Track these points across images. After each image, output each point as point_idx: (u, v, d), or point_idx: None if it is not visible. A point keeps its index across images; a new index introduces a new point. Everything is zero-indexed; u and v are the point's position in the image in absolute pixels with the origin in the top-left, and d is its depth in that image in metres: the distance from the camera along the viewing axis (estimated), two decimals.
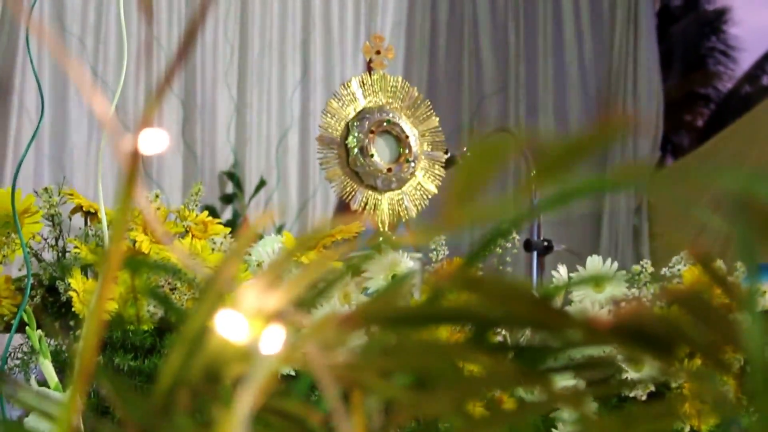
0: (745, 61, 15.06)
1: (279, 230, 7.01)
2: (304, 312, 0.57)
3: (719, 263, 2.33)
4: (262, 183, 7.10)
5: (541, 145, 0.40)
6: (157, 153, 0.54)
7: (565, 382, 0.55)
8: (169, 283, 2.21)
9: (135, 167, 0.53)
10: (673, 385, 2.08)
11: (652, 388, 2.22)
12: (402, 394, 0.56)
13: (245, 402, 0.53)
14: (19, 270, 2.28)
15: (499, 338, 0.55)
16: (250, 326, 0.55)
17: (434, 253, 2.64)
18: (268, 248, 2.40)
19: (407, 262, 2.29)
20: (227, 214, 6.96)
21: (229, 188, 7.07)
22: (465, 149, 3.53)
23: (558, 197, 0.46)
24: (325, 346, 0.55)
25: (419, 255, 3.36)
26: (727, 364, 0.47)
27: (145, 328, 2.19)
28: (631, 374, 2.05)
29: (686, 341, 0.48)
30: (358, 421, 0.57)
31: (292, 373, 0.71)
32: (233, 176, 7.07)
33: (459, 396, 0.56)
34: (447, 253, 2.63)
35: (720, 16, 15.30)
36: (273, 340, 0.55)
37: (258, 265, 2.30)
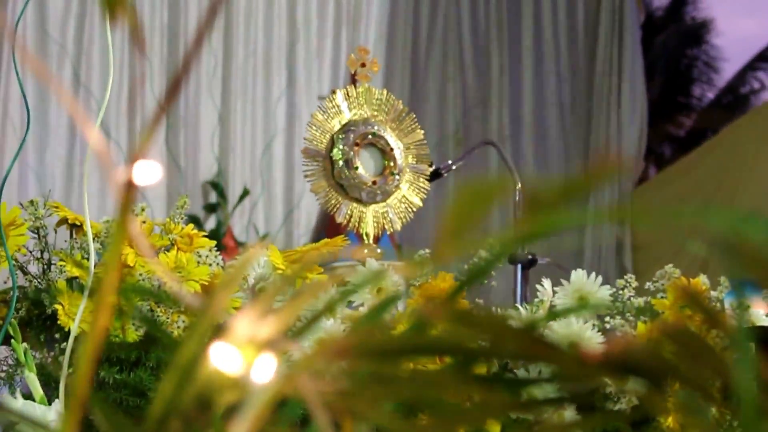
0: (727, 71, 15.12)
1: (263, 239, 7.01)
2: (295, 340, 0.57)
3: (703, 279, 2.34)
4: (245, 193, 7.10)
5: (531, 189, 0.41)
6: (150, 184, 0.54)
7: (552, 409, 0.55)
8: (153, 301, 2.20)
9: (129, 198, 0.53)
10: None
11: (635, 401, 2.22)
12: (391, 422, 0.56)
13: (241, 429, 0.53)
14: (5, 282, 2.27)
15: (492, 369, 0.56)
16: (242, 355, 0.55)
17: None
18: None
19: (392, 276, 2.29)
20: (211, 223, 6.96)
21: (213, 197, 7.06)
22: (451, 163, 3.54)
23: (541, 229, 0.47)
24: (316, 375, 0.55)
25: (403, 264, 3.36)
26: (716, 397, 0.48)
27: (131, 340, 2.19)
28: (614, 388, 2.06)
29: (675, 375, 0.48)
30: None
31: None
32: (217, 185, 7.07)
33: (447, 424, 0.57)
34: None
35: (702, 26, 15.36)
36: (265, 369, 0.55)
37: (244, 279, 2.30)
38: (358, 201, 2.92)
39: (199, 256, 2.35)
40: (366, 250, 2.88)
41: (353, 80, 3.11)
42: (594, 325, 2.26)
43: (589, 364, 0.49)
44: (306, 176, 2.94)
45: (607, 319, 2.38)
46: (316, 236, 7.04)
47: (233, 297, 2.01)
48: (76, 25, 6.75)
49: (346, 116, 2.96)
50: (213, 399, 0.57)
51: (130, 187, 0.53)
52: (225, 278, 0.59)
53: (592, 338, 2.20)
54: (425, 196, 3.03)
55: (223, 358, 0.55)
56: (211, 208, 7.03)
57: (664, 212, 0.45)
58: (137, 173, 0.53)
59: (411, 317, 0.56)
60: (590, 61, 8.31)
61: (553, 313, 2.29)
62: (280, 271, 2.32)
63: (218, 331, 0.56)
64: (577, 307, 2.32)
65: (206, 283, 2.31)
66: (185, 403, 0.56)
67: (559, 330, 2.19)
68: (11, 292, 2.21)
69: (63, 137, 6.61)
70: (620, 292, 2.44)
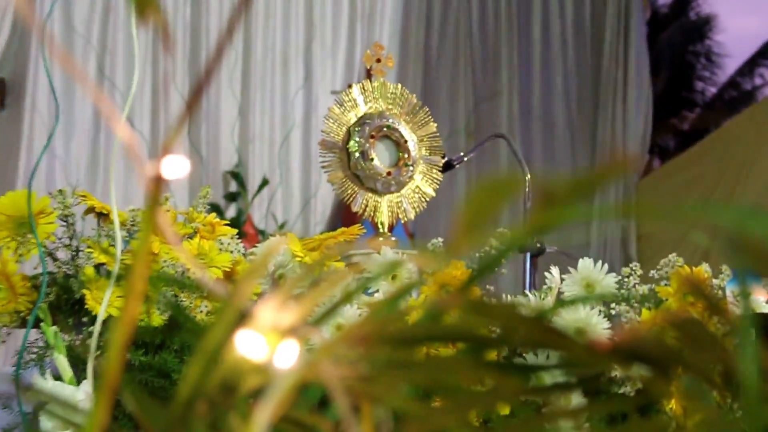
0: (730, 66, 15.08)
1: (281, 228, 7.03)
2: (315, 328, 0.58)
3: (705, 267, 2.34)
4: (264, 182, 7.11)
5: (541, 185, 0.41)
6: (178, 178, 0.55)
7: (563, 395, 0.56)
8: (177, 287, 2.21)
9: (157, 192, 0.54)
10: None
11: (640, 386, 2.22)
12: (408, 406, 0.57)
13: (265, 412, 0.54)
14: (35, 268, 2.28)
15: (503, 355, 0.56)
16: (265, 342, 0.56)
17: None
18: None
19: (406, 264, 2.29)
20: (231, 211, 6.98)
21: (233, 187, 7.08)
22: (463, 156, 3.54)
23: (551, 223, 0.47)
24: (336, 361, 0.56)
25: (416, 252, 3.36)
26: (718, 382, 0.48)
27: (155, 324, 2.19)
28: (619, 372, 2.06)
29: (678, 361, 0.48)
30: (366, 429, 0.58)
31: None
32: (237, 175, 7.08)
33: (460, 407, 0.57)
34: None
35: (706, 23, 15.30)
36: (287, 355, 0.55)
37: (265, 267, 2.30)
38: (374, 191, 2.92)
39: (221, 244, 2.36)
40: (381, 239, 2.88)
41: (369, 75, 3.11)
42: (600, 311, 2.26)
43: (596, 351, 0.49)
44: (323, 167, 2.94)
45: (613, 305, 2.38)
46: (332, 225, 7.05)
47: (255, 285, 2.02)
48: (101, 20, 6.78)
49: (362, 109, 2.96)
50: (237, 383, 0.57)
51: (158, 181, 0.54)
52: (248, 268, 0.59)
53: (598, 324, 2.20)
54: (438, 187, 3.04)
55: (248, 345, 0.56)
56: (231, 197, 7.05)
57: (668, 207, 0.46)
58: (165, 168, 0.54)
59: (426, 306, 0.56)
60: (597, 57, 8.30)
61: (561, 302, 2.29)
62: (298, 259, 2.33)
63: (243, 318, 0.57)
64: (585, 296, 2.32)
65: (228, 270, 2.32)
66: (211, 386, 0.57)
67: (567, 316, 2.19)
68: (41, 278, 2.22)
69: (87, 128, 6.63)
70: (625, 279, 2.44)
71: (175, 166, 0.55)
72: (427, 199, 3.01)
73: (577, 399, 1.40)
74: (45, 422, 1.68)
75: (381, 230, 2.92)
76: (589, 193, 0.41)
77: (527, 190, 3.34)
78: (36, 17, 6.12)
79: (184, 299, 2.21)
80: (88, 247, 2.30)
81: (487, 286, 2.35)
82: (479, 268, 0.54)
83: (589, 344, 0.49)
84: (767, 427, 0.43)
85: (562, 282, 2.38)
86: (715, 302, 0.47)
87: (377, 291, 2.27)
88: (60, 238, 2.34)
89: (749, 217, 0.38)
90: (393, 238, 2.92)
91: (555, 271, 2.40)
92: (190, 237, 2.36)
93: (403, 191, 2.96)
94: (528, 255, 3.19)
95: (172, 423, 0.57)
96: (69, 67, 0.60)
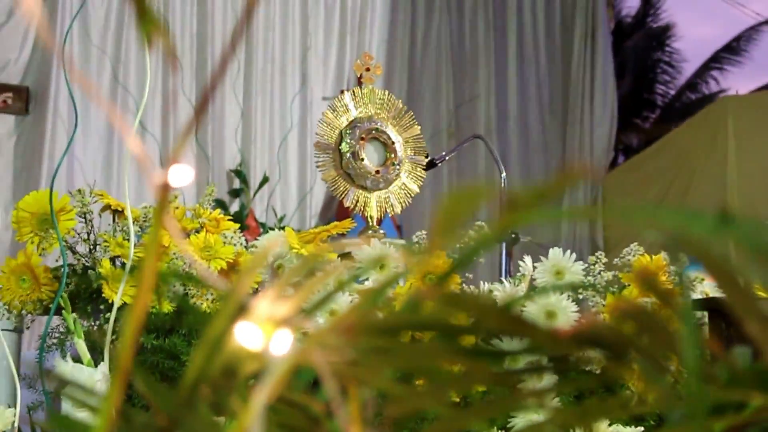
0: (687, 70, 15.09)
1: (280, 221, 7.03)
2: (307, 318, 0.58)
3: (663, 255, 2.35)
4: (265, 179, 7.12)
5: (511, 190, 0.42)
6: (183, 185, 0.55)
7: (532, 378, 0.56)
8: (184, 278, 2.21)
9: (166, 196, 0.54)
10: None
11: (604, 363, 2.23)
12: (391, 388, 0.57)
13: (262, 394, 0.54)
14: (56, 261, 2.29)
15: (477, 342, 0.57)
16: (262, 331, 0.56)
17: (417, 244, 2.65)
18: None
19: (393, 255, 2.30)
20: (235, 206, 6.99)
21: (236, 184, 7.09)
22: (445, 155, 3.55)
23: (520, 224, 0.48)
24: (325, 348, 0.56)
25: (402, 242, 3.37)
26: (668, 365, 0.49)
27: (165, 311, 2.20)
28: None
29: (634, 347, 0.49)
30: (353, 409, 0.58)
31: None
32: (240, 173, 7.09)
33: (440, 389, 0.58)
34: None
35: (665, 31, 15.32)
36: (282, 343, 0.56)
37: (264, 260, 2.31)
38: (364, 188, 2.93)
39: (225, 237, 2.37)
40: (371, 231, 2.89)
41: (359, 82, 3.12)
42: (569, 295, 2.27)
43: (558, 338, 0.50)
44: (318, 166, 2.95)
45: (580, 290, 2.39)
46: (326, 218, 7.07)
47: (256, 275, 2.02)
48: (115, 33, 6.78)
49: (353, 114, 2.97)
50: (237, 368, 0.58)
51: (165, 188, 0.54)
52: (249, 261, 0.60)
53: (567, 308, 2.21)
54: (422, 184, 3.05)
55: (246, 334, 0.56)
56: (235, 193, 7.06)
57: (625, 208, 0.46)
58: (172, 176, 0.54)
59: (408, 297, 0.57)
60: (567, 64, 8.32)
61: (533, 289, 2.29)
62: (295, 250, 2.33)
63: (243, 309, 0.58)
64: (554, 285, 2.33)
65: (231, 260, 2.32)
66: (213, 371, 0.57)
67: (539, 301, 2.20)
68: (62, 270, 2.22)
69: (103, 133, 6.63)
70: (592, 267, 2.45)
71: (181, 174, 0.55)
72: (413, 195, 3.01)
73: (547, 379, 1.40)
74: (66, 401, 1.69)
75: (371, 223, 2.93)
76: (554, 197, 0.42)
77: (503, 186, 3.34)
78: (56, 33, 6.11)
79: (191, 288, 2.22)
80: (105, 241, 2.31)
81: (467, 275, 2.36)
82: (456, 262, 0.55)
83: (551, 331, 0.50)
84: (707, 404, 0.44)
85: (534, 269, 2.39)
86: (664, 294, 0.48)
87: (368, 279, 2.27)
88: (79, 233, 2.34)
89: (691, 219, 0.39)
90: (382, 231, 2.93)
91: (528, 259, 2.41)
92: (197, 231, 2.36)
93: (390, 188, 2.97)
94: (504, 245, 3.20)
95: (178, 404, 0.57)
96: (84, 82, 0.61)
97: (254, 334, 0.56)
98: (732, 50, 14.67)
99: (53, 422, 0.59)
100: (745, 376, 0.48)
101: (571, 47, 8.29)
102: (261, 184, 7.11)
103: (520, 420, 2.01)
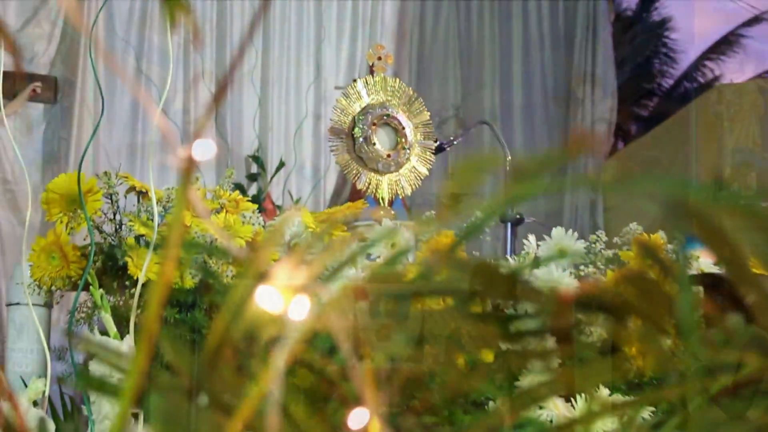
0: (684, 61, 15.03)
1: (296, 203, 7.04)
2: (324, 285, 0.58)
3: (660, 234, 2.34)
4: (281, 164, 7.12)
5: (517, 161, 0.42)
6: (207, 159, 0.55)
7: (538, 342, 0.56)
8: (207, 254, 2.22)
9: (190, 171, 0.54)
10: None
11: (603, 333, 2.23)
12: (403, 350, 0.57)
13: (280, 357, 0.54)
14: (84, 239, 2.29)
15: (486, 308, 0.57)
16: (281, 297, 0.56)
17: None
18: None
19: (404, 233, 2.30)
20: (252, 190, 6.99)
21: (254, 168, 7.10)
22: (454, 140, 3.54)
23: (526, 194, 0.48)
24: (341, 314, 0.56)
25: (412, 223, 3.37)
26: (668, 330, 0.49)
27: (188, 287, 2.20)
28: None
29: (634, 310, 0.49)
30: (367, 371, 0.59)
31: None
32: (257, 159, 7.10)
33: (449, 353, 0.58)
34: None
35: (663, 23, 15.25)
36: (300, 309, 0.56)
37: (282, 237, 2.31)
38: (375, 171, 2.93)
39: (244, 217, 2.37)
40: (382, 212, 2.89)
41: (371, 71, 3.12)
42: (571, 272, 2.27)
43: (562, 301, 0.50)
44: (332, 151, 2.95)
45: (582, 267, 2.39)
46: (339, 202, 7.07)
47: (273, 251, 2.03)
48: (138, 25, 6.79)
49: (365, 101, 2.97)
50: (258, 333, 0.58)
51: (190, 162, 0.55)
52: (267, 235, 0.60)
53: (569, 284, 2.21)
54: (431, 167, 3.04)
55: (267, 300, 0.56)
56: (253, 178, 7.06)
57: (626, 180, 0.46)
58: (196, 150, 0.55)
59: (419, 266, 0.57)
60: (569, 54, 8.28)
61: (537, 261, 2.29)
62: (311, 229, 2.33)
63: (262, 278, 0.58)
64: (557, 256, 2.33)
65: (250, 239, 2.33)
66: (235, 336, 0.58)
67: (541, 276, 2.20)
68: (90, 248, 2.23)
69: (127, 119, 6.65)
70: (593, 245, 2.45)
71: (204, 149, 0.55)
72: (422, 177, 3.01)
73: (550, 345, 1.40)
74: (95, 366, 1.69)
75: (382, 204, 2.93)
76: (557, 167, 0.42)
77: (508, 168, 3.33)
78: (83, 24, 6.11)
79: (212, 265, 2.22)
80: (130, 221, 2.31)
81: (474, 252, 2.36)
82: (464, 232, 0.55)
83: (557, 297, 0.50)
84: (703, 364, 0.44)
85: (538, 248, 2.38)
86: (665, 263, 0.48)
87: (378, 257, 2.28)
88: (105, 214, 2.35)
89: (686, 187, 0.39)
90: (392, 211, 2.93)
91: (532, 238, 2.41)
92: (218, 211, 2.37)
93: (401, 171, 2.97)
94: (509, 225, 3.20)
95: (203, 367, 0.57)
96: (113, 67, 0.60)
97: (274, 299, 0.56)
98: (728, 42, 14.61)
99: (83, 382, 0.59)
100: (739, 339, 0.49)
101: (574, 38, 8.26)
102: (277, 169, 7.11)
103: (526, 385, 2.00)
